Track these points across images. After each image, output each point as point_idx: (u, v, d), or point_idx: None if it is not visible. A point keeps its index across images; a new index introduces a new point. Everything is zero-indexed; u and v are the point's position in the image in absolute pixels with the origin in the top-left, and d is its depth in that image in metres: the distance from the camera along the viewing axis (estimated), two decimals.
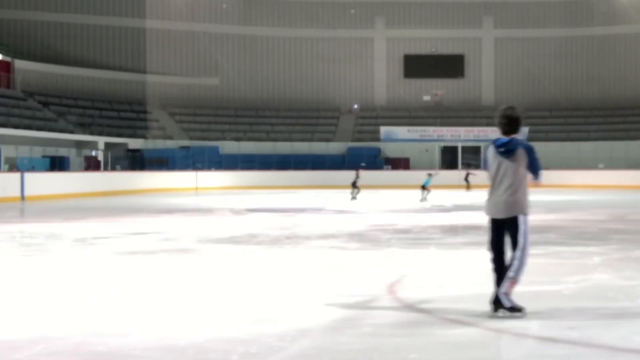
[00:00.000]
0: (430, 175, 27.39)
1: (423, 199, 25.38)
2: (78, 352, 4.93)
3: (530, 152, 6.00)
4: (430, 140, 46.06)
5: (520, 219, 5.95)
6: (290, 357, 4.81)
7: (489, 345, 5.10)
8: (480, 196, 30.60)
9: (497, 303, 5.91)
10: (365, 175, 41.50)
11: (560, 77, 51.25)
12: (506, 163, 5.96)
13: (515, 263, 5.91)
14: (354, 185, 28.01)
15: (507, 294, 5.89)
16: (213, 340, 5.23)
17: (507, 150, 5.95)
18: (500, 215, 5.99)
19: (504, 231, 6.03)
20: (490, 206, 6.09)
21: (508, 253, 6.01)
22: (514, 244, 5.95)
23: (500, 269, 6.00)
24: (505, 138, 6.03)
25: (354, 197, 27.16)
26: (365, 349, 5.02)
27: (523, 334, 5.35)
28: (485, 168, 6.18)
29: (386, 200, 26.31)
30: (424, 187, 26.26)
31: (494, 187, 6.05)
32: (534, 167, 6.03)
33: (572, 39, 51.37)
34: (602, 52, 50.96)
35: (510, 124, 6.05)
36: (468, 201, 25.50)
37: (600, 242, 11.55)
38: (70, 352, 4.93)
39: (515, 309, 5.87)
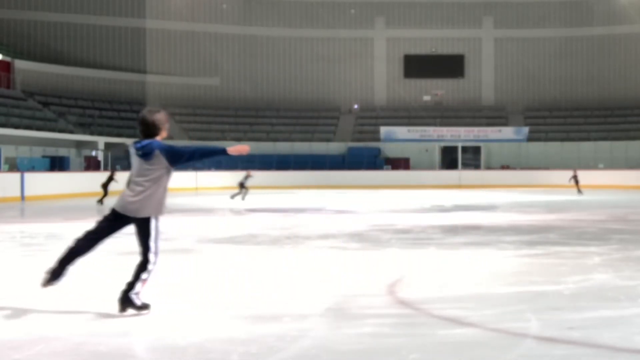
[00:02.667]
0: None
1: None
2: (78, 352, 4.92)
3: (166, 152, 6.04)
4: (430, 140, 46.04)
5: (152, 222, 6.06)
6: (290, 357, 4.81)
7: (489, 345, 5.09)
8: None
9: (125, 302, 6.04)
10: (366, 175, 41.83)
11: (560, 77, 51.21)
12: (145, 164, 6.02)
13: (150, 267, 6.03)
14: (242, 186, 27.11)
15: (138, 294, 6.04)
16: (213, 340, 5.22)
17: (144, 153, 6.02)
18: (131, 213, 6.01)
19: (117, 229, 6.12)
20: (122, 202, 6.06)
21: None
22: (146, 248, 6.03)
23: (76, 257, 6.08)
24: (145, 141, 6.06)
25: (233, 196, 26.67)
26: (365, 349, 5.01)
27: (523, 334, 5.35)
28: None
29: (386, 200, 26.30)
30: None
31: (129, 185, 6.10)
32: (176, 158, 6.07)
33: (572, 39, 51.35)
34: (602, 52, 50.93)
35: (146, 128, 6.10)
36: (468, 201, 25.49)
37: (600, 242, 11.54)
38: (70, 352, 4.93)
39: (144, 307, 6.03)
